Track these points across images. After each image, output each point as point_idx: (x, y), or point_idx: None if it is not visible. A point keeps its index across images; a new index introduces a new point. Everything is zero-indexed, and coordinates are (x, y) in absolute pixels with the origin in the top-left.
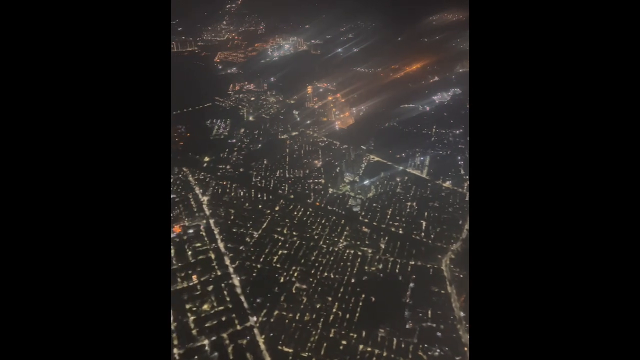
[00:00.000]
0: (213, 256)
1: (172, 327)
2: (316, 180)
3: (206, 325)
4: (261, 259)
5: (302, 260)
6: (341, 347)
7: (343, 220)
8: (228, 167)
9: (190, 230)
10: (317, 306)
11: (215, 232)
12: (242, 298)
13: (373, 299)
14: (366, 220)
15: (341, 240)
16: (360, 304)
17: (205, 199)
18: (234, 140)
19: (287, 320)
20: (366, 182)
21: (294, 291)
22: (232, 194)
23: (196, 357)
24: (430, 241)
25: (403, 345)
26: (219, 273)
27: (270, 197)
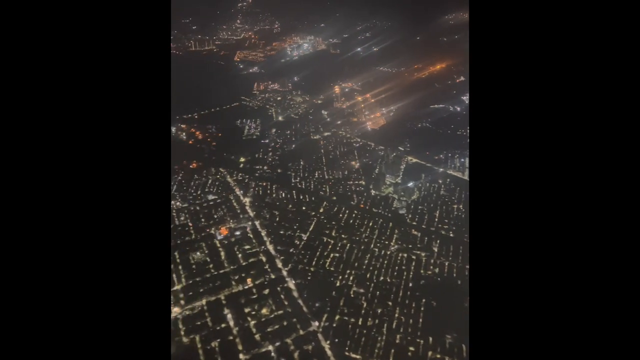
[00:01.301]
0: (264, 259)
1: (234, 331)
2: (356, 182)
3: (268, 330)
4: (314, 262)
5: (356, 264)
6: (409, 354)
7: (390, 223)
8: (265, 167)
9: (237, 232)
10: (379, 311)
11: (263, 234)
12: (301, 302)
13: (434, 303)
14: (414, 223)
15: (392, 244)
16: (422, 308)
17: (247, 200)
18: (267, 141)
19: (350, 326)
20: (410, 184)
21: (352, 295)
22: (274, 195)
23: None
24: None
25: None
26: (272, 276)
27: (313, 198)
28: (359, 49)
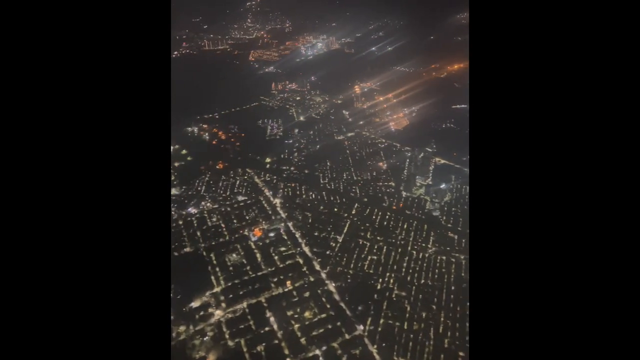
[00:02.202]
0: (301, 261)
1: (279, 335)
2: (386, 183)
3: (313, 333)
4: (352, 265)
5: (395, 267)
6: (460, 359)
7: (425, 225)
8: (292, 168)
9: (271, 234)
10: (423, 315)
11: (297, 235)
12: (343, 305)
13: None
14: (449, 225)
15: (429, 246)
16: (468, 312)
17: (277, 201)
18: (291, 141)
19: (396, 329)
20: (442, 185)
21: (394, 298)
22: (304, 196)
23: None
24: None
25: None
26: (311, 279)
27: (344, 200)
28: (373, 48)
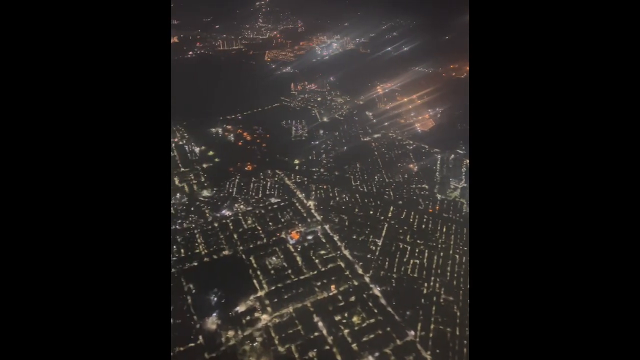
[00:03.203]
0: (343, 264)
1: (329, 340)
2: (419, 186)
3: (364, 339)
4: (395, 269)
5: (439, 271)
6: None
7: (465, 229)
8: (322, 170)
9: (309, 237)
10: None
11: (335, 238)
12: (391, 310)
13: None
14: None
15: None
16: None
17: (311, 203)
18: (317, 142)
19: (448, 335)
20: None
21: (442, 303)
22: (337, 198)
23: None
24: None
25: None
26: (355, 283)
27: (379, 202)
28: (389, 48)
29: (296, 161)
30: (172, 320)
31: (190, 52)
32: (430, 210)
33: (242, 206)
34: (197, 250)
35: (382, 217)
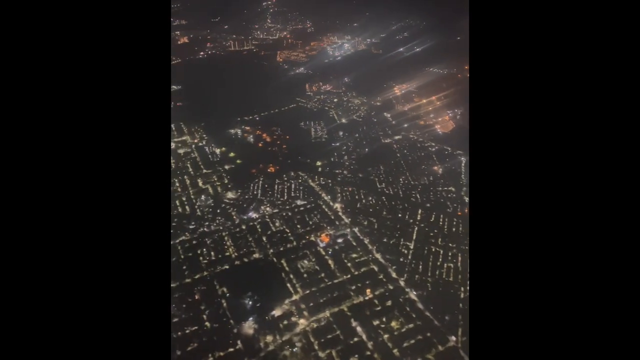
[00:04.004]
0: (376, 268)
1: (370, 346)
2: (446, 188)
3: (404, 345)
4: (429, 273)
5: None
6: None
7: None
8: (345, 172)
9: (339, 240)
10: None
11: (366, 242)
12: (429, 315)
13: None
14: None
15: None
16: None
17: (337, 206)
18: (338, 144)
19: None
20: None
21: None
22: (363, 201)
23: None
24: None
25: None
26: (390, 287)
27: (406, 205)
28: (401, 49)
29: (318, 163)
30: (208, 324)
31: (202, 53)
32: (460, 213)
33: (268, 208)
34: (227, 253)
35: (411, 220)
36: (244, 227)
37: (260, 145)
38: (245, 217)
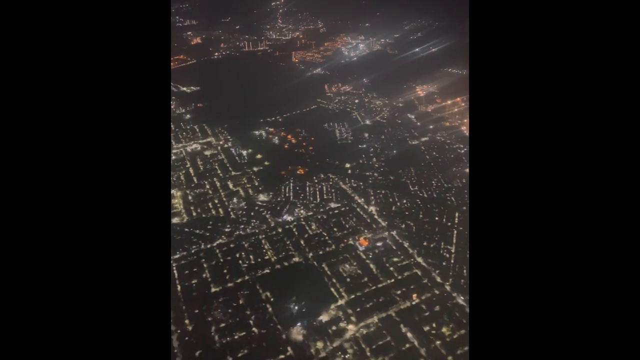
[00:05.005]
0: (419, 272)
1: (423, 353)
2: None
3: (459, 352)
4: None
5: None
6: None
7: None
8: (376, 174)
9: (378, 244)
10: None
11: (406, 245)
12: None
13: None
14: None
15: None
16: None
17: (372, 208)
18: (364, 146)
19: None
20: None
21: None
22: (398, 203)
23: None
24: None
25: None
26: (437, 292)
27: (442, 208)
28: (417, 49)
29: (347, 165)
30: (256, 330)
31: (217, 53)
32: None
33: (302, 211)
34: (267, 257)
35: (449, 224)
36: (279, 230)
37: (286, 146)
38: (280, 219)
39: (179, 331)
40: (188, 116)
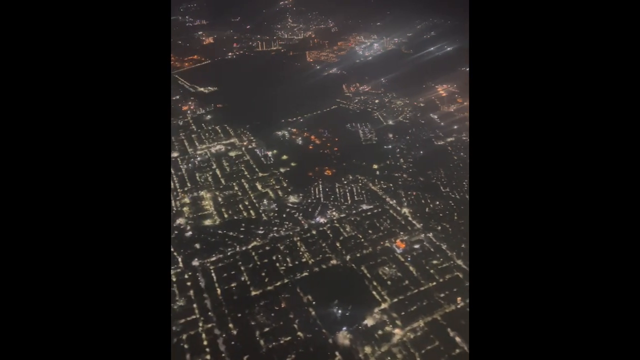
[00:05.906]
0: (461, 275)
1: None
2: None
3: None
4: None
5: None
6: None
7: None
8: (405, 175)
9: (416, 246)
10: None
11: (444, 247)
12: None
13: None
14: None
15: None
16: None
17: (405, 210)
18: (390, 147)
19: None
20: None
21: None
22: (431, 205)
23: None
24: None
25: None
26: None
27: None
28: (431, 48)
29: (375, 166)
30: (302, 335)
31: (230, 53)
32: None
33: (334, 213)
34: (304, 259)
35: None
36: (314, 232)
37: (310, 147)
38: (313, 222)
39: (224, 335)
40: (209, 117)
